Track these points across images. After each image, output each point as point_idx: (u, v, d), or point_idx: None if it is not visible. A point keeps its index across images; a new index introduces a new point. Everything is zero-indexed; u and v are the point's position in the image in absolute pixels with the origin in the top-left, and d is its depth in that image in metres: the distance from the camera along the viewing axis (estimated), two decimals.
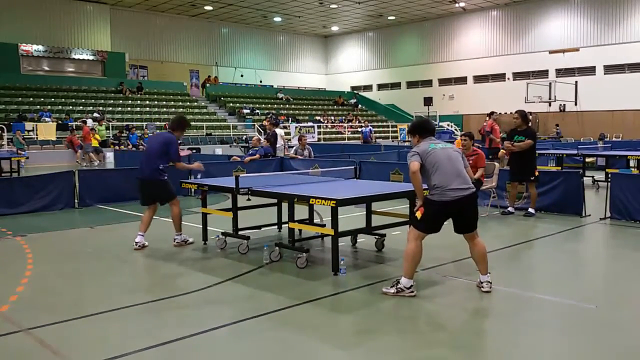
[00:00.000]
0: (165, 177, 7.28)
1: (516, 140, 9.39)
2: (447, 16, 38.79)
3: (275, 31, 43.60)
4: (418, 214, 5.15)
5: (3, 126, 23.46)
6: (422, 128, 5.44)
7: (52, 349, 4.02)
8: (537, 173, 9.35)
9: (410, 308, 5.01)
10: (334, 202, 5.59)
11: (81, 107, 29.07)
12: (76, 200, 10.75)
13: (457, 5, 36.08)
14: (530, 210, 9.34)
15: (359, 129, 33.79)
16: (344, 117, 38.38)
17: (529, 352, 4.05)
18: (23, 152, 20.15)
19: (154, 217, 7.49)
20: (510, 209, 9.57)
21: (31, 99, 28.31)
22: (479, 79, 38.15)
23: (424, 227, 5.17)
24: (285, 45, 44.75)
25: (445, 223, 5.17)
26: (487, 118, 16.67)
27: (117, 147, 24.48)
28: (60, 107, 28.32)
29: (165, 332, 4.29)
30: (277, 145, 15.60)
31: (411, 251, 5.11)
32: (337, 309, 4.97)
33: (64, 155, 23.56)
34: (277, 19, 39.66)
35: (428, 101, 37.97)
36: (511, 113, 9.79)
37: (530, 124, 9.68)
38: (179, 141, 7.62)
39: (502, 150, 13.13)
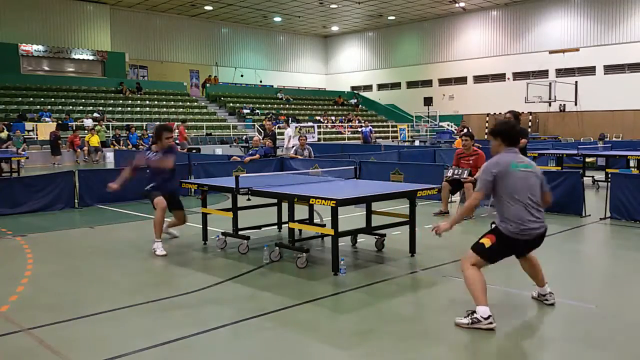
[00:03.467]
0: (148, 188, 7.30)
1: None
2: (447, 16, 38.81)
3: (275, 31, 43.61)
4: (487, 242, 4.50)
5: (3, 126, 23.46)
6: (510, 136, 4.58)
7: (52, 349, 4.02)
8: None
9: (410, 308, 5.01)
10: (334, 202, 5.59)
11: (81, 107, 29.09)
12: (76, 200, 10.75)
13: (457, 5, 36.09)
14: None
15: (360, 129, 33.80)
16: (344, 117, 38.39)
17: (529, 352, 4.05)
18: (23, 152, 20.18)
19: (151, 216, 7.57)
20: None
21: (31, 99, 28.31)
22: (479, 79, 38.17)
23: (488, 257, 4.54)
24: (285, 45, 44.76)
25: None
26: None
27: (116, 147, 24.52)
28: (60, 107, 28.32)
29: (165, 332, 4.29)
30: (290, 145, 15.66)
31: (471, 277, 4.47)
32: (337, 309, 4.97)
33: (64, 155, 23.56)
34: (277, 19, 39.67)
35: (428, 101, 38.01)
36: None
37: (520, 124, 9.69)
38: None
39: None
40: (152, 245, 7.07)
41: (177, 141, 23.67)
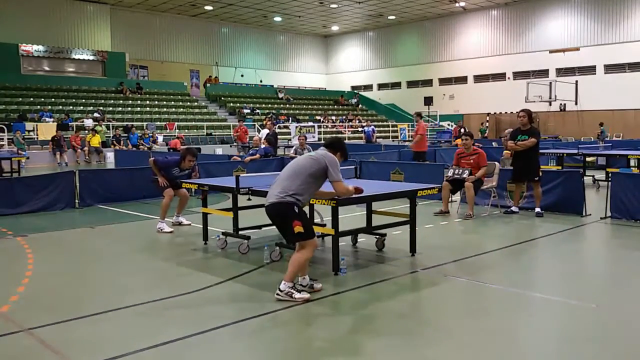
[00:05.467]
0: (154, 177, 8.55)
1: (519, 139, 9.33)
2: (447, 16, 38.80)
3: (275, 31, 43.61)
4: None
5: (3, 126, 23.48)
6: None
7: (52, 349, 4.03)
8: (540, 173, 9.32)
9: (410, 308, 5.01)
10: (335, 201, 5.59)
11: (81, 107, 29.10)
12: (77, 200, 10.75)
13: (457, 4, 36.08)
14: (538, 209, 9.30)
15: (360, 128, 33.77)
16: (344, 117, 38.39)
17: (529, 351, 4.05)
18: (23, 153, 20.19)
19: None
20: (513, 208, 9.54)
21: (31, 99, 28.32)
22: (479, 78, 38.16)
23: None
24: (285, 45, 44.75)
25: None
26: (419, 119, 15.85)
27: (117, 147, 24.53)
28: (60, 107, 28.33)
29: (166, 332, 4.29)
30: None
31: None
32: (337, 309, 4.97)
33: (63, 155, 23.54)
34: (277, 18, 39.66)
35: (428, 101, 38.02)
36: (512, 113, 9.77)
37: (533, 123, 9.64)
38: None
39: (505, 151, 13.13)
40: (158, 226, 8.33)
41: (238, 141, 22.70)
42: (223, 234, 7.20)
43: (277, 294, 5.01)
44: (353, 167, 8.89)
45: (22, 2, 31.03)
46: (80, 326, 4.50)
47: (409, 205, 6.65)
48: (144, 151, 21.90)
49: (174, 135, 26.66)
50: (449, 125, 36.78)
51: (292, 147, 17.37)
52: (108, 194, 11.18)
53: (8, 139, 22.89)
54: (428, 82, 40.96)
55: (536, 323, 4.55)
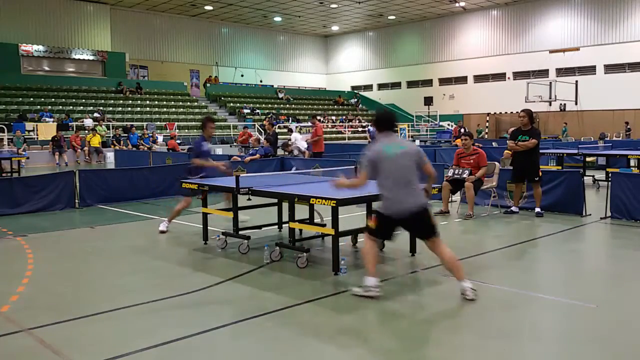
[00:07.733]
0: (197, 178, 8.14)
1: (520, 140, 9.32)
2: (447, 15, 38.80)
3: (275, 31, 43.61)
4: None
5: (3, 126, 23.47)
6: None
7: (52, 349, 4.03)
8: (540, 173, 9.32)
9: (410, 308, 5.01)
10: (335, 201, 5.59)
11: (81, 107, 29.10)
12: (77, 200, 10.75)
13: (457, 4, 36.08)
14: (538, 209, 9.30)
15: (361, 128, 33.75)
16: (344, 117, 38.38)
17: (529, 351, 4.05)
18: (24, 152, 20.20)
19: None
20: (514, 208, 9.54)
21: (31, 99, 28.32)
22: (479, 78, 38.16)
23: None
24: (285, 45, 44.75)
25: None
26: (316, 121, 16.37)
27: (117, 147, 24.52)
28: (60, 107, 28.33)
29: (166, 332, 4.29)
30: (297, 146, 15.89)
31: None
32: (337, 309, 4.97)
33: (63, 155, 23.53)
34: (277, 18, 39.67)
35: (428, 101, 38.02)
36: (512, 113, 9.76)
37: (534, 124, 9.62)
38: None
39: (506, 151, 13.14)
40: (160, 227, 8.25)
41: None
42: (223, 234, 7.20)
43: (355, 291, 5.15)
44: (353, 167, 8.89)
45: (22, 2, 31.04)
46: (80, 326, 4.50)
47: None
48: (144, 151, 21.90)
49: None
50: (449, 125, 36.77)
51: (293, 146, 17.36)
52: (108, 194, 11.19)
53: (8, 139, 22.87)
54: (428, 82, 40.96)
55: (536, 323, 4.55)
